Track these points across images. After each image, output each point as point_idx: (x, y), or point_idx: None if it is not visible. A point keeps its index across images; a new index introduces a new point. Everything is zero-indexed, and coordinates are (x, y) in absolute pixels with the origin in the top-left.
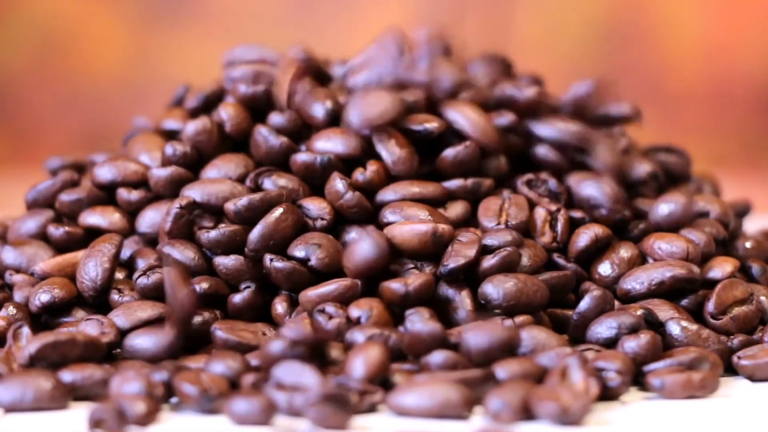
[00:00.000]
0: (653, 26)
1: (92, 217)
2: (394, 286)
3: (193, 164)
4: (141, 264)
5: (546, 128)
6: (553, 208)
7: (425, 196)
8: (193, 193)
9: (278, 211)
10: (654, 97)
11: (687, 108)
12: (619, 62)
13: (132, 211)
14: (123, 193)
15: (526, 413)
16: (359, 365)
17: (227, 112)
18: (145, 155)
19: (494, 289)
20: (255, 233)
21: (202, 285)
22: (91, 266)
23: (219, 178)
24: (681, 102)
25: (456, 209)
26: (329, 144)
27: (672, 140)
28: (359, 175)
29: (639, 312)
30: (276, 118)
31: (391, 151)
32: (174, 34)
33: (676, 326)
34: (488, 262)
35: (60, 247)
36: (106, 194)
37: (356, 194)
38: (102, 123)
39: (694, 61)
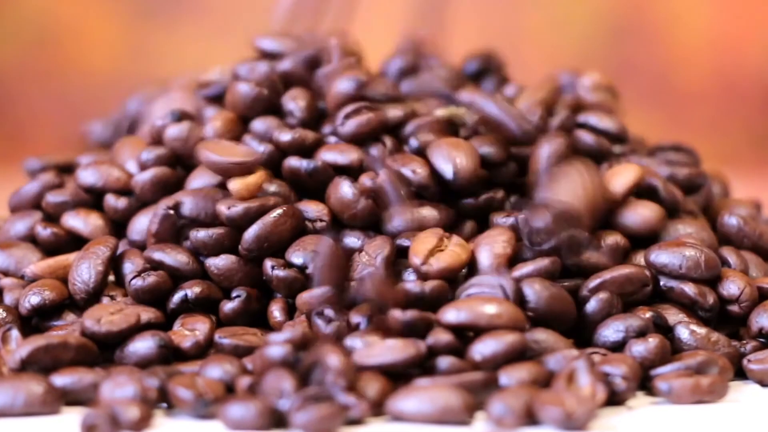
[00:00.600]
0: (660, 21)
1: (74, 220)
2: (410, 285)
3: (175, 165)
4: (130, 267)
5: None
6: None
7: (435, 222)
8: (182, 205)
9: (276, 212)
10: (661, 93)
11: (694, 105)
12: (625, 58)
13: (119, 219)
14: (110, 200)
15: (530, 418)
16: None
17: (214, 127)
18: (131, 162)
19: (533, 291)
20: (251, 233)
21: (193, 289)
22: (84, 268)
23: (206, 188)
24: (688, 99)
25: (465, 230)
26: (330, 155)
27: (679, 138)
28: (367, 180)
29: (647, 315)
30: (259, 124)
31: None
32: (169, 30)
33: (685, 330)
34: (527, 268)
35: (47, 248)
36: (92, 197)
37: (368, 202)
38: (95, 120)
39: (702, 56)
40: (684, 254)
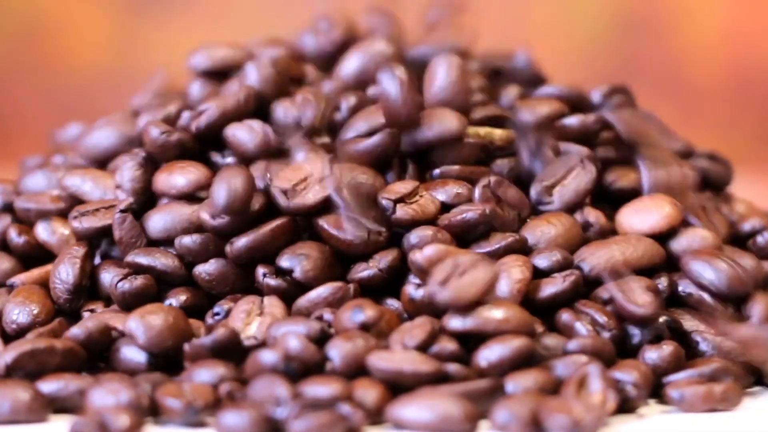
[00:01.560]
0: (671, 13)
1: (43, 232)
2: (409, 288)
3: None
4: (111, 275)
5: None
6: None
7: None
8: (152, 223)
9: (273, 225)
10: (672, 89)
11: (707, 101)
12: (635, 52)
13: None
14: (75, 224)
15: (537, 427)
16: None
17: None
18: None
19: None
20: (242, 242)
21: (179, 297)
22: (62, 269)
23: (173, 204)
24: (700, 94)
25: None
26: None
27: (691, 135)
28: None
29: (662, 319)
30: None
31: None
32: (161, 23)
33: (699, 337)
34: (556, 286)
35: (20, 255)
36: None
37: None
38: (84, 116)
39: (715, 50)
40: (718, 268)
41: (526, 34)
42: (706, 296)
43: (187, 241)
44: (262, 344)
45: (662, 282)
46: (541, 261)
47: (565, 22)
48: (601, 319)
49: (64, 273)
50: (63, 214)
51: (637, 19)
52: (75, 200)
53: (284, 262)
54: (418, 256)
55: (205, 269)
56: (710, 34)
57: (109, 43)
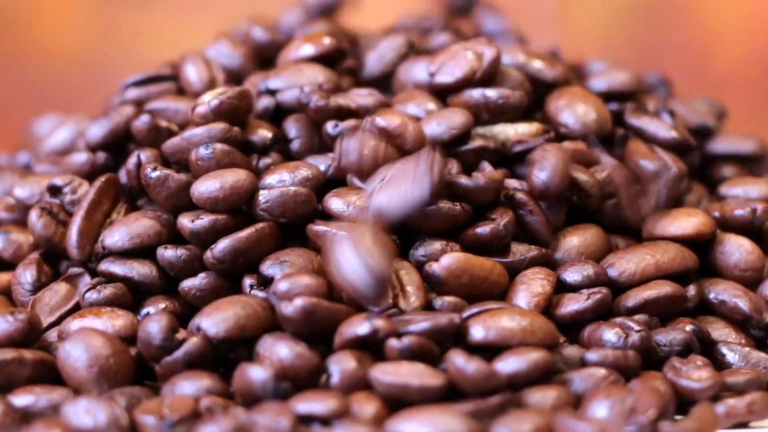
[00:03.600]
0: None
1: (1, 243)
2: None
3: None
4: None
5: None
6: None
7: None
8: (115, 234)
9: (255, 228)
10: (695, 75)
11: (734, 91)
12: (657, 40)
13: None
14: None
15: None
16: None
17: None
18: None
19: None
20: (224, 244)
21: (157, 306)
22: (20, 273)
23: (139, 215)
24: (727, 85)
25: None
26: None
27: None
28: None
29: (688, 327)
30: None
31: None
32: (143, 8)
33: (725, 347)
34: (579, 303)
35: None
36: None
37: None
38: (61, 106)
39: (742, 38)
40: None
41: (546, 16)
42: (740, 303)
43: (170, 254)
44: (251, 358)
45: (691, 290)
46: (572, 275)
47: (587, 4)
48: (630, 322)
49: (23, 276)
50: (19, 222)
51: (660, 5)
52: (29, 209)
53: (266, 269)
54: (435, 267)
55: (195, 284)
56: (738, 21)
57: (87, 31)
